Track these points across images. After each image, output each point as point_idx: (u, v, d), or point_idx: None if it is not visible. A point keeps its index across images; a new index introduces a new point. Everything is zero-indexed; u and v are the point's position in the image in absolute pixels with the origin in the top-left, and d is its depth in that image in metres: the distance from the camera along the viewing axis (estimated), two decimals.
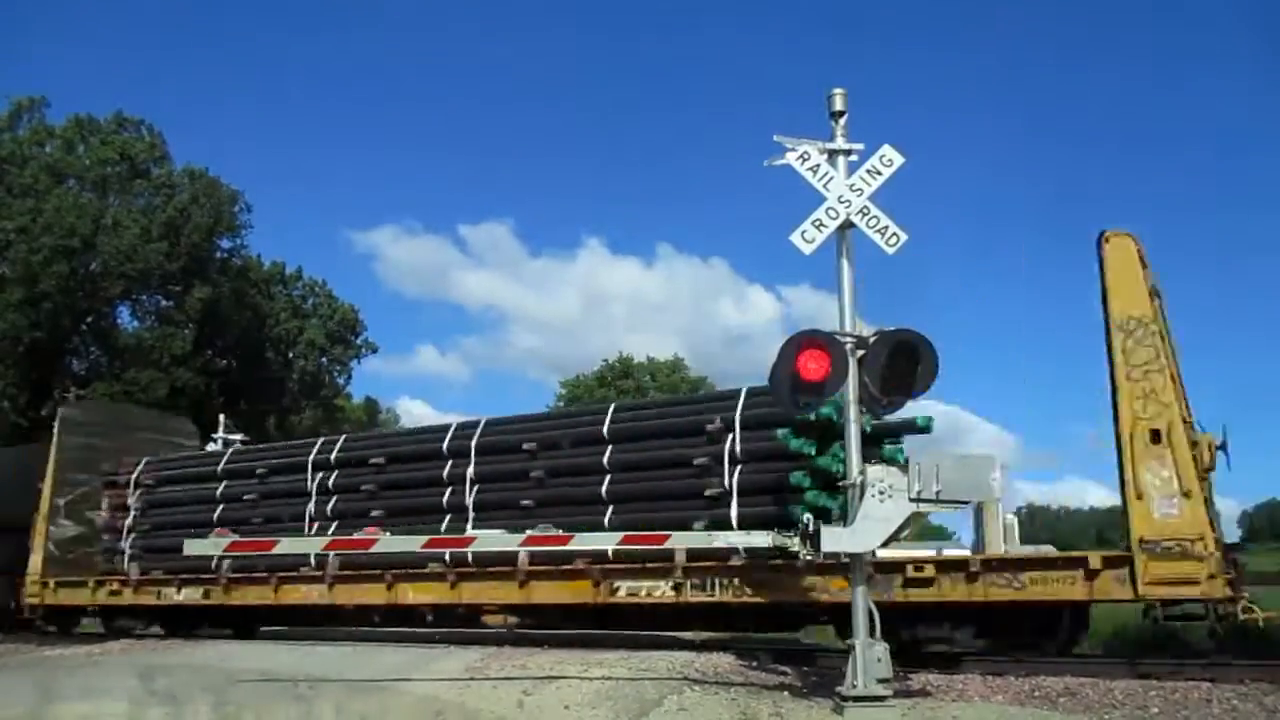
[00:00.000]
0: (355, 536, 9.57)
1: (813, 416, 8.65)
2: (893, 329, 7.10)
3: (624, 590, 9.90)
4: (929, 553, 9.54)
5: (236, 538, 10.14)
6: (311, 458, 12.91)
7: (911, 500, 6.80)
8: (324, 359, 42.40)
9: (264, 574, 12.31)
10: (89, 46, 71.84)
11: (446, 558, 10.82)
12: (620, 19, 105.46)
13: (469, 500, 11.26)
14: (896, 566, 8.61)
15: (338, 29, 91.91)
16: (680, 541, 8.74)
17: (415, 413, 73.21)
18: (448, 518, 11.29)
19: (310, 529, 12.32)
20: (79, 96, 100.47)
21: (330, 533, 11.83)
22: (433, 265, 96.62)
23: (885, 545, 7.37)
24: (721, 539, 8.21)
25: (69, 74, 68.54)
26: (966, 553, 9.54)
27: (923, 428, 8.96)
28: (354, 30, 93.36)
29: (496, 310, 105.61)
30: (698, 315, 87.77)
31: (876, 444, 8.52)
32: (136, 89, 78.60)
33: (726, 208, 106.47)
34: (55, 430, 15.32)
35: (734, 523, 9.30)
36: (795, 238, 7.39)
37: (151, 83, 75.18)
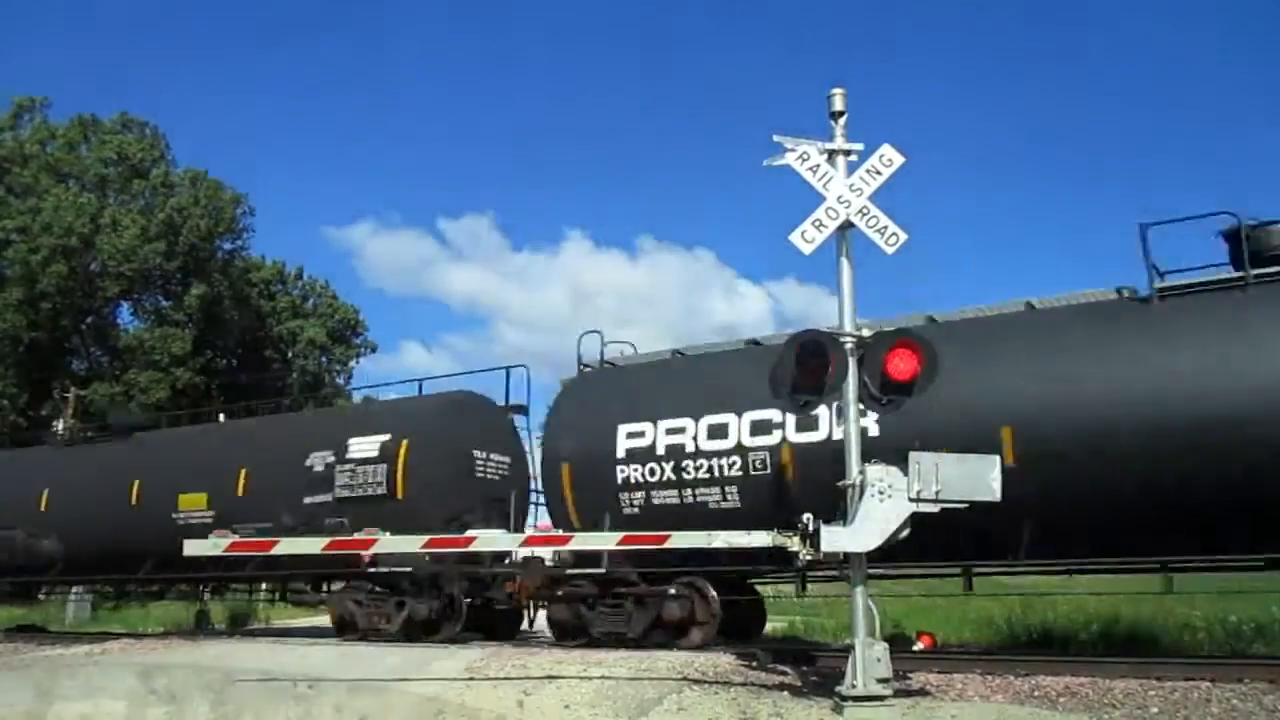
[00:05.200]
0: (355, 537, 9.53)
1: None
2: (893, 329, 7.09)
3: None
4: None
5: (237, 538, 10.11)
6: None
7: (910, 500, 6.79)
8: (324, 358, 42.46)
9: None
10: (89, 47, 71.76)
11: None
12: (598, 13, 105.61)
13: None
14: None
15: (316, 25, 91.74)
16: (680, 541, 8.72)
17: None
18: None
19: None
20: (78, 97, 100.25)
21: None
22: (414, 261, 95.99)
23: (887, 544, 7.36)
24: (721, 538, 8.18)
25: (67, 74, 68.46)
26: None
27: None
28: (333, 26, 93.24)
29: (482, 306, 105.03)
30: (687, 309, 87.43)
31: None
32: (134, 87, 78.58)
33: (707, 199, 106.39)
34: None
35: None
36: (795, 238, 7.37)
37: (146, 80, 75.12)
